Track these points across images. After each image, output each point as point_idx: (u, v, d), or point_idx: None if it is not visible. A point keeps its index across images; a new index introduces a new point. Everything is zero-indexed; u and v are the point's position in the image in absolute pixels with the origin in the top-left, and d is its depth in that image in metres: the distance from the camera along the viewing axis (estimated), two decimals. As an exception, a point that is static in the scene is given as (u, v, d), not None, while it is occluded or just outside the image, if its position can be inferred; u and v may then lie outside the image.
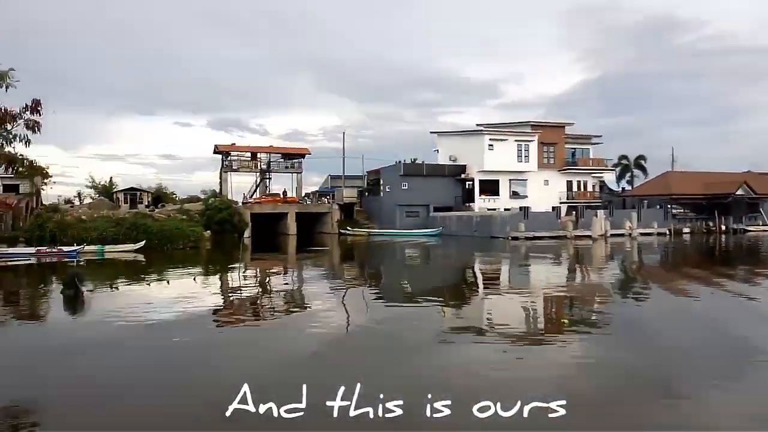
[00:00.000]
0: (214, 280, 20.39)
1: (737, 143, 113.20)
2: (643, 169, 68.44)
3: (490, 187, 49.14)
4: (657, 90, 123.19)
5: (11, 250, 27.92)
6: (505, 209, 45.09)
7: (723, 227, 46.90)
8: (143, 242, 30.32)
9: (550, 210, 45.15)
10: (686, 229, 45.45)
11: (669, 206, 47.24)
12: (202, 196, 56.16)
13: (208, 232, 36.94)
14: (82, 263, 23.90)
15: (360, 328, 10.46)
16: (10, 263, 24.96)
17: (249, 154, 52.94)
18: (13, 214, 34.72)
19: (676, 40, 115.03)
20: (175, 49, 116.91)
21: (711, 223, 47.39)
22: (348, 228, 46.42)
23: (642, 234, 40.66)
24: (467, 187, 49.84)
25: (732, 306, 12.95)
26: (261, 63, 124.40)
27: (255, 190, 53.08)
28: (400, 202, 47.94)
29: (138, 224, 32.39)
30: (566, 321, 11.30)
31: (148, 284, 18.29)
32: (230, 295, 16.00)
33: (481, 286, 17.79)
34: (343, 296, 14.59)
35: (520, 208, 42.89)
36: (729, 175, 53.15)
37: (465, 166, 49.60)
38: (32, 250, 27.76)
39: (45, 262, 25.50)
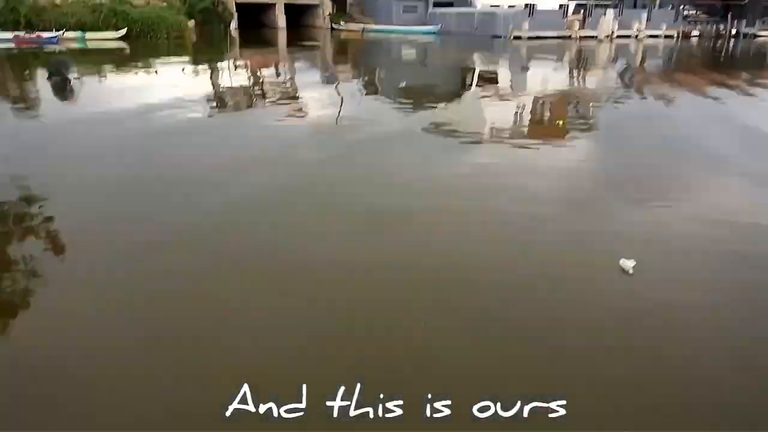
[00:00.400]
0: (204, 71, 19.77)
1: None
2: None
3: (495, -20, 45.23)
4: None
5: (-15, 35, 26.36)
6: (510, 6, 42.14)
7: (734, 31, 44.73)
8: (124, 30, 28.67)
9: (557, 8, 42.28)
10: (695, 33, 43.36)
11: (682, 6, 44.33)
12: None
13: (192, 21, 34.75)
14: (64, 50, 22.89)
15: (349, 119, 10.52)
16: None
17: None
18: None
19: None
20: None
21: (722, 27, 45.07)
22: (341, 22, 43.75)
23: (650, 36, 38.88)
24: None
25: (711, 114, 12.93)
26: None
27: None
28: (398, -5, 44.47)
29: (117, 11, 30.19)
30: (560, 123, 11.40)
31: (135, 73, 17.74)
32: (222, 93, 15.67)
33: (475, 86, 17.48)
34: (336, 87, 14.41)
35: (526, 5, 40.07)
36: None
37: (469, -46, 44.99)
38: (9, 35, 26.21)
39: (24, 49, 24.31)
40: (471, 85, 17.61)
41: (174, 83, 14.23)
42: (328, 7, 45.22)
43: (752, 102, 14.00)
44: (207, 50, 27.22)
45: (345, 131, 9.57)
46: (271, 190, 6.32)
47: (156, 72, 18.08)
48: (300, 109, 11.78)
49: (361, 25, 43.39)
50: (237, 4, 40.91)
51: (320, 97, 13.18)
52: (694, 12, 45.86)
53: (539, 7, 39.74)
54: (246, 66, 20.72)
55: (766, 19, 47.14)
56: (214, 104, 12.06)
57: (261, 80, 16.94)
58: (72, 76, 14.02)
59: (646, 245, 5.00)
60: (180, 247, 4.80)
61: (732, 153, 8.43)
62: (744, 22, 45.27)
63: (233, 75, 17.95)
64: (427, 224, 5.43)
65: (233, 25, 38.71)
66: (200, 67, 20.45)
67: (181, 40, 30.15)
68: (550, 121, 11.91)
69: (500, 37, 36.17)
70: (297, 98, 13.39)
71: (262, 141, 8.79)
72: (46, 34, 25.76)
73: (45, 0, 31.55)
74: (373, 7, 46.89)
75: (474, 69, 22.48)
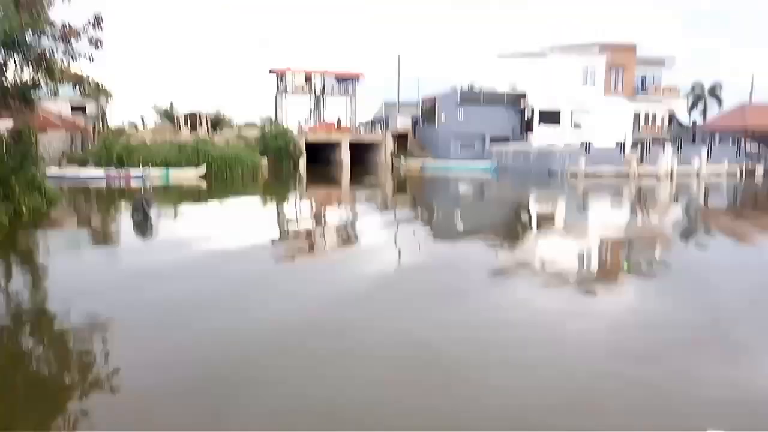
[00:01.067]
0: (272, 210, 21.03)
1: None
2: (719, 99, 63.48)
3: (551, 117, 47.21)
4: (745, 3, 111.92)
5: (83, 171, 29.49)
6: (565, 144, 43.49)
7: (803, 167, 43.63)
8: (204, 167, 31.39)
9: (614, 145, 43.15)
10: (759, 169, 42.62)
11: (743, 141, 44.15)
12: (259, 123, 56.86)
13: (265, 159, 37.71)
14: (149, 188, 25.15)
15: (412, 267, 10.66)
16: (80, 184, 26.48)
17: (303, 77, 52.68)
18: (82, 136, 36.50)
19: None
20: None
21: (789, 162, 44.15)
22: (402, 159, 46.23)
23: (711, 173, 38.50)
24: (526, 116, 48.11)
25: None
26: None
27: (309, 117, 53.24)
28: (456, 132, 46.99)
29: (200, 150, 33.39)
30: (626, 266, 11.14)
31: (213, 210, 19.09)
32: (284, 228, 16.50)
33: (535, 226, 17.55)
34: (396, 230, 14.83)
35: (582, 142, 41.21)
36: (816, 109, 48.73)
37: (524, 93, 47.64)
38: (101, 172, 29.19)
39: (113, 185, 26.89)
40: (530, 224, 17.73)
41: (242, 223, 15.22)
42: (389, 144, 48.15)
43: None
44: (276, 187, 29.19)
45: (403, 280, 9.68)
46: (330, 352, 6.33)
47: (228, 211, 19.41)
48: (363, 255, 12.11)
49: (420, 161, 45.63)
50: (306, 143, 44.35)
51: (381, 242, 13.54)
52: (756, 147, 45.48)
53: (595, 144, 40.68)
54: (310, 205, 21.93)
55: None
56: (275, 252, 12.62)
57: (323, 222, 17.78)
58: (152, 213, 15.24)
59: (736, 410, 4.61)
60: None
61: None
62: (813, 157, 44.30)
63: (297, 215, 19.00)
64: (501, 377, 5.21)
65: (302, 162, 41.62)
66: (268, 205, 21.86)
67: (255, 177, 32.59)
68: (614, 264, 11.65)
69: (557, 173, 36.86)
70: (359, 243, 13.86)
71: (318, 293, 8.99)
72: (133, 171, 28.47)
73: (137, 140, 35.48)
74: (432, 144, 49.56)
75: (532, 207, 22.76)
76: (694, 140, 47.57)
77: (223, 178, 31.48)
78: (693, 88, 63.72)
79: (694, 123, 60.16)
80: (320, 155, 47.96)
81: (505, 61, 51.56)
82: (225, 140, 38.84)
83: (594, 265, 11.71)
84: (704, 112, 63.79)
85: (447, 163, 44.71)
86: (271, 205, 22.39)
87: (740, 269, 10.92)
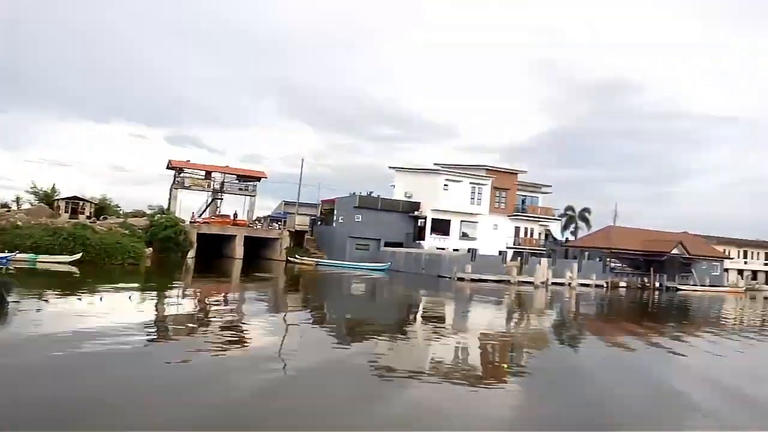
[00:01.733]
0: (150, 299, 19.67)
1: (675, 204, 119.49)
2: (587, 222, 71.24)
3: (442, 227, 49.91)
4: (607, 146, 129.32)
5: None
6: (454, 249, 45.80)
7: (657, 284, 49.07)
8: (80, 255, 29.02)
9: (497, 254, 46.18)
10: (623, 283, 47.24)
11: (608, 260, 49.13)
12: (149, 211, 54.51)
13: (150, 249, 35.80)
14: (11, 271, 22.67)
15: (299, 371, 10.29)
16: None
17: (203, 173, 52.04)
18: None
19: (629, 100, 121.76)
20: (136, 58, 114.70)
21: (646, 279, 49.48)
22: (296, 256, 45.99)
23: (581, 285, 42.04)
24: (419, 224, 50.46)
25: (660, 360, 13.49)
26: (228, 82, 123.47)
27: (204, 210, 52.01)
28: (352, 234, 47.98)
29: (77, 235, 31.04)
30: (506, 366, 11.54)
31: (79, 299, 17.46)
32: (164, 321, 15.46)
33: (420, 322, 17.88)
34: (283, 318, 14.41)
35: (469, 249, 43.71)
36: (666, 234, 55.92)
37: (419, 203, 50.34)
38: (-41, 253, 26.11)
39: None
40: (415, 320, 18.03)
41: (114, 310, 14.03)
42: (286, 241, 47.88)
43: (685, 349, 14.66)
44: (158, 278, 27.51)
45: (275, 364, 9.32)
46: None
47: (101, 298, 17.86)
48: (241, 340, 11.60)
49: (315, 260, 45.65)
50: (199, 234, 42.92)
51: (265, 328, 13.12)
52: (619, 265, 50.66)
53: (480, 252, 43.29)
54: (195, 294, 20.84)
55: (684, 275, 52.33)
56: (151, 333, 11.76)
57: (207, 309, 16.90)
58: (10, 299, 13.65)
59: None
60: None
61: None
62: (665, 276, 50.06)
63: (179, 303, 17.90)
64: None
65: (191, 253, 40.01)
66: (147, 294, 20.43)
67: (136, 267, 30.59)
68: (492, 362, 12.03)
69: (445, 277, 38.37)
70: (241, 328, 13.27)
71: (188, 373, 8.40)
72: (-4, 253, 25.77)
73: (6, 221, 32.44)
74: (328, 243, 50.03)
75: (419, 306, 23.28)
76: (566, 256, 52.11)
77: (101, 266, 29.25)
78: (566, 211, 71.20)
79: (567, 240, 66.32)
80: (214, 248, 46.44)
81: (401, 173, 54.89)
82: (108, 227, 36.61)
83: (478, 364, 12.04)
84: (575, 231, 70.96)
85: (342, 262, 45.08)
86: (148, 294, 20.91)
87: (607, 366, 11.76)
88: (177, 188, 49.49)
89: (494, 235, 51.63)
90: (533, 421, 7.57)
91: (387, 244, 48.28)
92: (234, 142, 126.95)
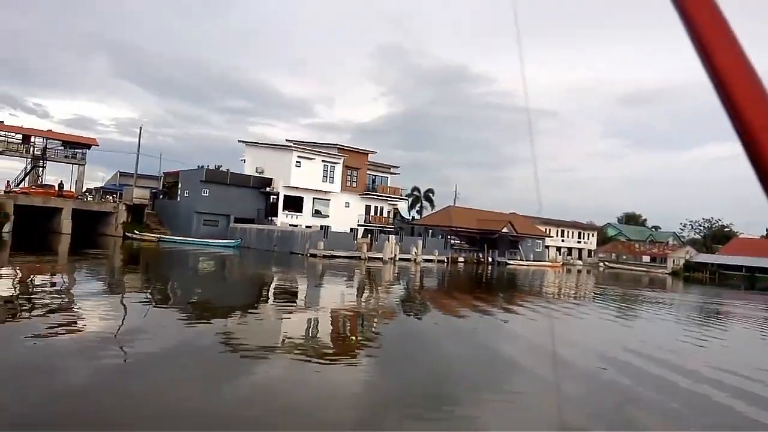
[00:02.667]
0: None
1: (507, 187, 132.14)
2: (431, 202, 75.93)
3: (295, 204, 49.65)
4: (448, 132, 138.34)
5: None
6: (307, 226, 45.93)
7: (490, 259, 54.13)
8: None
9: (349, 231, 47.27)
10: (461, 259, 51.34)
11: (449, 237, 52.96)
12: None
13: (-48, 221, 30.73)
14: None
15: (142, 358, 9.69)
16: None
17: (20, 137, 45.65)
18: None
19: (468, 90, 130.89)
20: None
21: (481, 255, 54.30)
22: (135, 231, 42.60)
23: (425, 260, 44.84)
24: (272, 200, 49.64)
25: (489, 327, 15.02)
26: (46, 37, 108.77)
27: (23, 179, 45.83)
28: (199, 209, 45.68)
29: None
30: (354, 338, 11.98)
31: None
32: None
33: (271, 300, 17.80)
34: (121, 298, 13.39)
35: (321, 226, 44.15)
36: (498, 215, 61.72)
37: (271, 179, 49.44)
38: None
39: None
40: (267, 299, 17.88)
41: None
42: (122, 215, 44.08)
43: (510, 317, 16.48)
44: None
45: (115, 348, 8.72)
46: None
47: None
48: (72, 323, 10.55)
49: (158, 236, 42.75)
50: (17, 206, 37.75)
51: (99, 309, 12.06)
52: (458, 242, 54.88)
53: (333, 229, 43.99)
54: (13, 274, 18.40)
55: (513, 251, 58.32)
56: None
57: (29, 290, 15.06)
58: None
59: None
60: None
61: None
62: (497, 252, 55.34)
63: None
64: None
65: (7, 227, 35.11)
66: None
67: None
68: (342, 336, 12.42)
69: (298, 254, 38.39)
70: (71, 310, 12.05)
71: (13, 361, 7.51)
72: None
73: None
74: (173, 219, 47.08)
75: (271, 283, 23.08)
76: (412, 233, 55.14)
77: None
78: (412, 191, 75.01)
79: (413, 218, 69.96)
80: (37, 222, 41.14)
81: (251, 148, 53.34)
82: None
83: (321, 335, 12.34)
84: (420, 211, 75.16)
85: (188, 238, 42.77)
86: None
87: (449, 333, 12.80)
88: (-14, 151, 42.89)
89: (346, 213, 52.72)
90: (379, 390, 8.02)
91: (237, 220, 46.79)
92: (58, 104, 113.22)
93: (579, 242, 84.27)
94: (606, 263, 76.82)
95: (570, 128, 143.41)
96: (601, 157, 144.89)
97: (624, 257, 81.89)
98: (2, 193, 38.97)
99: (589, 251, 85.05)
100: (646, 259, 79.92)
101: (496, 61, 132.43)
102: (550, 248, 72.97)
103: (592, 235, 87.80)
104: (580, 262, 78.02)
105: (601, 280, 45.05)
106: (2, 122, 47.30)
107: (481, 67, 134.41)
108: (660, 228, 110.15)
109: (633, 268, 72.78)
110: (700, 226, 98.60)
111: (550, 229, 74.14)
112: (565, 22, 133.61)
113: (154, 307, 14.06)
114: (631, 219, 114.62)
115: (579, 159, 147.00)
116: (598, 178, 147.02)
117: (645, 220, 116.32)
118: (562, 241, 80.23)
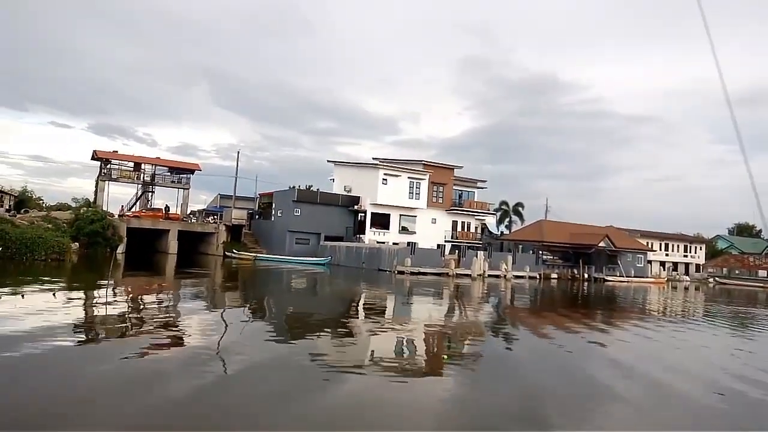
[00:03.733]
0: (76, 297, 18.64)
1: (602, 199, 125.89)
2: (521, 216, 73.87)
3: (381, 221, 50.22)
4: (537, 143, 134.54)
5: None
6: (394, 243, 46.22)
7: (586, 275, 51.55)
8: (-3, 250, 27.19)
9: (436, 247, 46.99)
10: (554, 275, 49.32)
11: (540, 252, 51.11)
12: (74, 205, 51.74)
13: (76, 244, 33.99)
14: None
15: (240, 371, 10.05)
16: None
17: (132, 164, 49.85)
18: None
19: (557, 99, 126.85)
20: (56, 40, 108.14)
21: (575, 271, 51.87)
22: (234, 251, 44.96)
23: (516, 276, 43.52)
24: (359, 218, 50.55)
25: (585, 350, 14.16)
26: (154, 68, 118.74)
27: (135, 203, 49.90)
28: (291, 228, 47.42)
29: (-8, 229, 29.02)
30: (446, 356, 11.75)
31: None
32: (93, 321, 14.70)
33: (362, 316, 17.93)
34: (221, 314, 14.03)
35: (408, 243, 44.23)
36: (594, 228, 58.77)
37: (359, 197, 50.40)
38: None
39: None
40: (357, 315, 18.05)
41: (39, 309, 13.19)
42: (222, 236, 46.71)
43: (604, 338, 15.47)
44: (85, 274, 26.13)
45: (215, 363, 9.08)
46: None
47: (22, 296, 16.75)
48: (177, 338, 11.19)
49: (254, 254, 44.82)
50: (129, 229, 41.11)
51: (201, 325, 12.73)
52: (551, 257, 52.84)
53: (419, 245, 43.94)
54: (126, 292, 19.93)
55: (611, 266, 55.24)
56: (79, 334, 11.15)
57: (139, 307, 16.21)
58: None
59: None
60: None
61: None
62: (593, 267, 52.66)
63: (108, 302, 17.03)
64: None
65: (121, 249, 38.31)
66: (73, 293, 19.34)
67: (61, 262, 28.91)
68: (434, 353, 12.22)
69: (386, 270, 38.65)
70: (176, 326, 12.81)
71: (118, 376, 8.04)
72: None
73: None
74: (268, 238, 49.27)
75: (360, 300, 23.32)
76: (501, 249, 53.83)
77: (21, 261, 27.46)
78: (501, 205, 73.46)
79: (502, 233, 68.37)
80: (148, 244, 44.67)
81: (339, 167, 54.74)
82: (30, 221, 34.40)
83: (413, 354, 12.20)
84: (509, 225, 73.33)
85: (281, 257, 44.49)
86: (75, 293, 19.80)
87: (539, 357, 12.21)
88: (104, 180, 47.21)
89: (433, 229, 52.54)
90: (469, 409, 7.74)
91: (327, 238, 48.06)
92: (165, 132, 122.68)
93: (685, 256, 78.35)
94: (716, 279, 70.65)
95: (673, 134, 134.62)
96: (710, 164, 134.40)
97: (737, 272, 74.86)
98: (117, 217, 42.55)
99: (697, 266, 78.75)
100: (763, 273, 72.63)
101: (586, 69, 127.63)
102: (653, 263, 68.36)
103: (700, 249, 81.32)
104: (687, 278, 72.35)
105: (712, 297, 41.40)
106: (116, 152, 52.01)
107: (570, 74, 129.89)
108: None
109: (748, 283, 66.38)
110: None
111: (652, 243, 69.56)
112: (665, 22, 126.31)
113: (252, 322, 14.60)
114: (744, 230, 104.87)
115: (684, 167, 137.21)
116: (706, 186, 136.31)
117: (760, 231, 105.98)
118: (666, 255, 74.96)
